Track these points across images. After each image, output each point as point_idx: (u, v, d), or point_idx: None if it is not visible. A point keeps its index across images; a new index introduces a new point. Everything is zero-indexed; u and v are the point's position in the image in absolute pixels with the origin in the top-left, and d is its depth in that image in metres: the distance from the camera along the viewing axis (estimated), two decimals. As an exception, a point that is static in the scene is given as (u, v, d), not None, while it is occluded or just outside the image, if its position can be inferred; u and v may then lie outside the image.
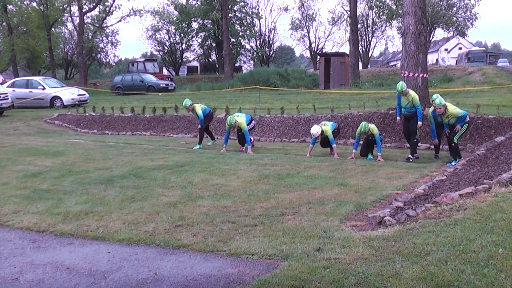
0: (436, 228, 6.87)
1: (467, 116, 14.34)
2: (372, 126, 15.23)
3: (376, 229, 7.55)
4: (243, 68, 74.37)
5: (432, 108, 14.38)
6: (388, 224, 7.61)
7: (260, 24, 73.08)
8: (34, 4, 58.46)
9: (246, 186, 10.95)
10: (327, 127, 15.74)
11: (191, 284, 6.06)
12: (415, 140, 15.09)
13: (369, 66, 79.95)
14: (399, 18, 62.60)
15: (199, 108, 18.36)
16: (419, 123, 14.94)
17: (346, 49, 73.55)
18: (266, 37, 74.32)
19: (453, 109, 14.21)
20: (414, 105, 14.96)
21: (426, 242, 6.38)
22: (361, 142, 15.64)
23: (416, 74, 18.66)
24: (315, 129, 15.53)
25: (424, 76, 18.92)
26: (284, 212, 8.75)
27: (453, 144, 14.12)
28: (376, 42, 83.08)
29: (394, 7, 60.67)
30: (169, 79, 53.27)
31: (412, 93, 15.18)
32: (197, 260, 6.77)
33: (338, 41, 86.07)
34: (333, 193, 10.08)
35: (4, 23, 57.40)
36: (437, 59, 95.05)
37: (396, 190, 10.24)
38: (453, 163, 13.52)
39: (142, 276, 6.36)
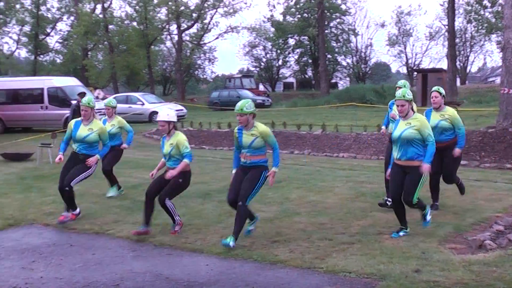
0: (541, 253, 6.60)
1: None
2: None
3: (476, 253, 7.34)
4: (338, 85, 74.02)
5: None
6: (489, 248, 7.37)
7: (356, 40, 72.69)
8: (134, 23, 60.30)
9: (343, 203, 10.85)
10: None
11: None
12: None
13: (467, 82, 77.88)
14: (498, 32, 60.76)
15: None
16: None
17: (443, 64, 71.96)
18: (363, 53, 73.82)
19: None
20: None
21: (531, 268, 6.13)
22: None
23: (519, 92, 17.94)
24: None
25: (527, 93, 18.13)
26: (381, 231, 8.63)
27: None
28: (474, 57, 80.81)
29: (493, 20, 58.85)
30: (266, 95, 53.61)
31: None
32: (294, 277, 6.75)
33: (435, 56, 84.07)
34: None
35: (105, 42, 59.58)
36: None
37: (496, 213, 9.84)
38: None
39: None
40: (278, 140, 21.94)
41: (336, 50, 68.98)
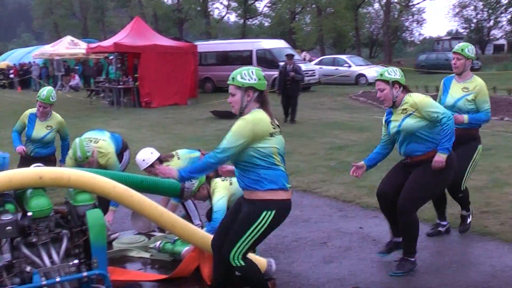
0: None
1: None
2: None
3: None
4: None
5: None
6: None
7: None
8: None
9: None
10: None
11: (498, 275, 5.93)
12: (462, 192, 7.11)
13: None
14: None
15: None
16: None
17: None
18: None
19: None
20: (479, 105, 7.10)
21: None
22: None
23: None
24: None
25: None
26: None
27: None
28: None
29: None
30: (475, 57, 51.56)
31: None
32: (505, 251, 6.56)
33: None
34: None
35: (313, 5, 60.32)
36: None
37: None
38: None
39: (447, 260, 6.36)
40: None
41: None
